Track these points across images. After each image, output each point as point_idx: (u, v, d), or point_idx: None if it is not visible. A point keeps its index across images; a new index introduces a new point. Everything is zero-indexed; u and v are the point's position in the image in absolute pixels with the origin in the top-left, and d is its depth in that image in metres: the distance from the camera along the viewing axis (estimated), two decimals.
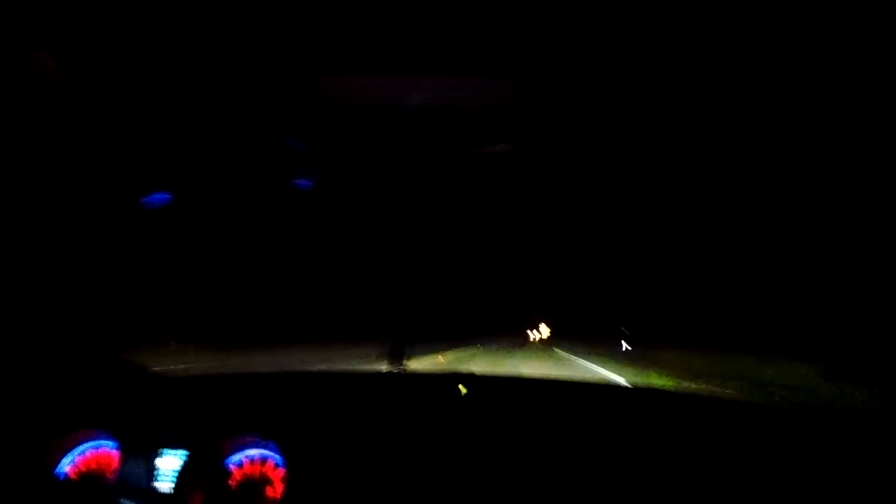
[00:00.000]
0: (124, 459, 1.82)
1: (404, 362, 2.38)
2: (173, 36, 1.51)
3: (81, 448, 1.85)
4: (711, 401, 2.06)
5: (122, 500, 1.66)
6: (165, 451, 1.80)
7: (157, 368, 2.17)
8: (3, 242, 1.83)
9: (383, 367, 2.40)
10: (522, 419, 1.85)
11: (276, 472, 1.77)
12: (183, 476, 1.73)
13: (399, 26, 1.49)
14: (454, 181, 2.19)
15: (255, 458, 1.80)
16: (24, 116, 1.65)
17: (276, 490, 1.75)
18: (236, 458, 1.79)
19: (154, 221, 2.22)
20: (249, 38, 1.55)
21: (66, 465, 1.83)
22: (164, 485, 1.76)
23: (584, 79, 1.66)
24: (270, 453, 1.80)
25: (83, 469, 1.83)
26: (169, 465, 1.78)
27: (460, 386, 2.03)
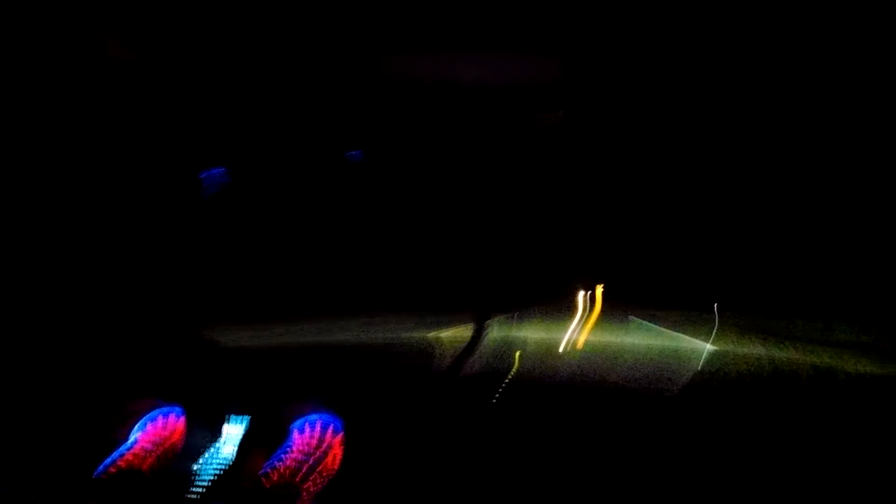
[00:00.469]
0: (191, 427, 1.88)
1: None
2: (229, 13, 1.51)
3: (152, 415, 1.92)
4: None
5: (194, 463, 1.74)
6: (229, 419, 1.87)
7: (221, 340, 2.23)
8: (78, 220, 1.87)
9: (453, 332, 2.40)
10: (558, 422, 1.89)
11: (337, 442, 1.82)
12: (245, 442, 1.79)
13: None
14: (509, 153, 2.17)
15: (316, 425, 1.85)
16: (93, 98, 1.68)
17: (334, 461, 1.80)
18: (298, 424, 1.84)
19: (216, 199, 2.25)
20: (305, 16, 1.55)
21: (135, 434, 1.90)
22: (228, 449, 1.83)
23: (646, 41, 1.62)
24: (330, 421, 1.85)
25: (151, 440, 1.90)
26: (232, 432, 1.85)
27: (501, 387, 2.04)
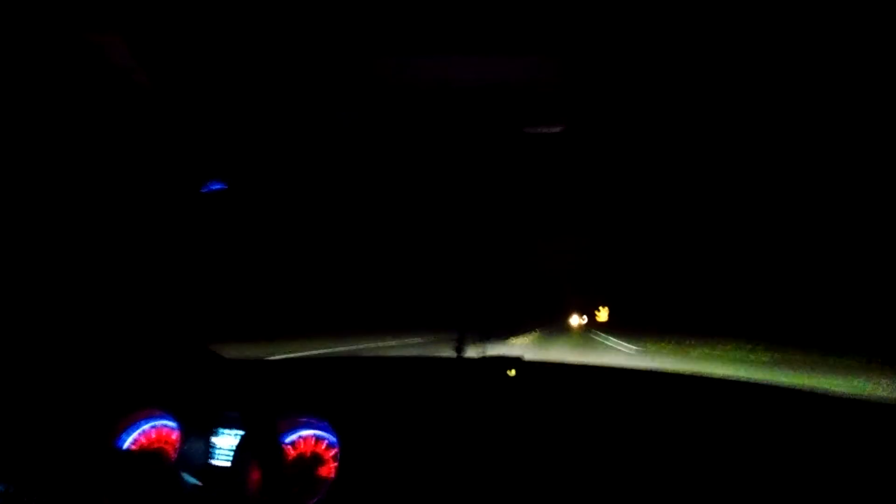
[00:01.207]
0: (184, 437, 1.88)
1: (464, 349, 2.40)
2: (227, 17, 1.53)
3: (143, 426, 1.93)
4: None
5: (182, 475, 1.72)
6: (223, 429, 1.86)
7: (221, 353, 2.25)
8: (85, 229, 1.90)
9: (441, 353, 2.42)
10: (570, 404, 1.86)
11: (329, 452, 1.81)
12: (239, 454, 1.78)
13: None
14: (506, 163, 2.16)
15: (309, 437, 1.84)
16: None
17: (329, 469, 1.79)
18: (291, 437, 1.84)
19: (213, 212, 2.28)
20: (297, 20, 1.56)
21: (128, 442, 1.91)
22: (222, 462, 1.82)
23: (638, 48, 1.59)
24: (324, 433, 1.84)
25: (145, 445, 1.91)
26: (226, 443, 1.84)
27: (510, 371, 2.04)
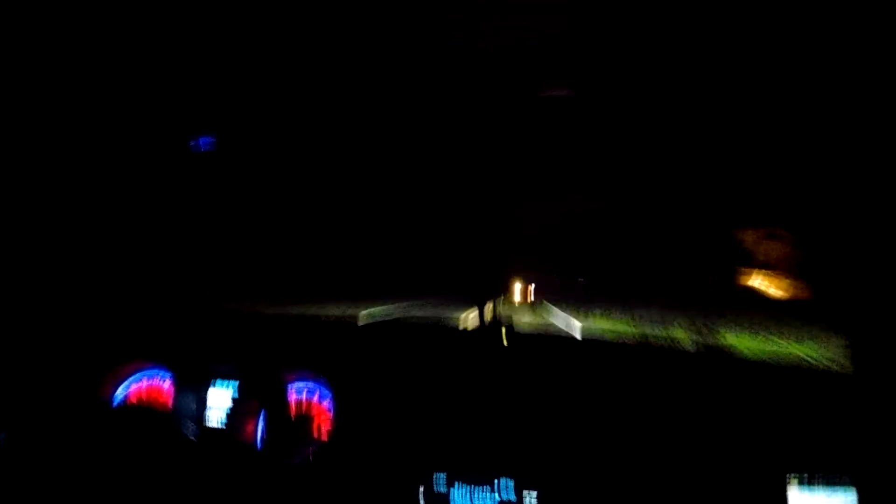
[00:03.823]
0: (179, 390, 1.88)
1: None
2: None
3: (137, 377, 1.93)
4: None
5: (183, 424, 1.73)
6: (219, 382, 1.87)
7: (218, 307, 2.25)
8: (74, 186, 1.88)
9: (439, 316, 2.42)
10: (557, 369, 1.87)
11: (325, 410, 1.81)
12: (234, 407, 1.78)
13: None
14: (516, 126, 2.12)
15: (306, 393, 1.84)
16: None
17: (324, 426, 1.79)
18: (290, 391, 1.84)
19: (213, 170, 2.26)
20: None
21: (122, 394, 1.91)
22: (216, 414, 1.83)
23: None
24: (321, 390, 1.84)
25: (141, 398, 1.91)
26: (222, 396, 1.85)
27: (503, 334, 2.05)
